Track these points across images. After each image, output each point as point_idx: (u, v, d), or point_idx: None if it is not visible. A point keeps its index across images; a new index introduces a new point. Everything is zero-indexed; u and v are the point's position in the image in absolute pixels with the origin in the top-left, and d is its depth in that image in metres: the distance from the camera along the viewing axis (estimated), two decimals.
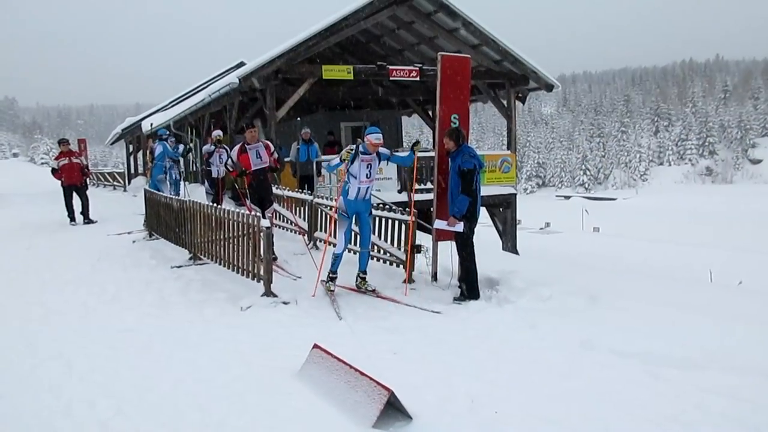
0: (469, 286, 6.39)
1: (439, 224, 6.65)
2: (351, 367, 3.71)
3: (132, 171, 27.63)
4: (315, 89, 14.45)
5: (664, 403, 3.68)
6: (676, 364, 4.22)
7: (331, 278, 6.60)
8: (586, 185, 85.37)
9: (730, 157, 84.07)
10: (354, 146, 6.47)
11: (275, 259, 7.98)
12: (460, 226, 6.31)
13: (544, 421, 3.48)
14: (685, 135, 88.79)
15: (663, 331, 4.86)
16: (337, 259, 6.56)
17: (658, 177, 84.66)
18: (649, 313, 5.30)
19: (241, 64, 18.21)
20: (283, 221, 10.06)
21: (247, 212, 6.97)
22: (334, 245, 6.67)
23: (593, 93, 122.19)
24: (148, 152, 13.37)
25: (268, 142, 8.28)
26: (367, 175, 6.42)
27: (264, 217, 7.97)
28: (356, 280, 6.76)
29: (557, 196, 78.80)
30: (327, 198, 9.31)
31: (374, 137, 6.33)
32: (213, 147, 11.62)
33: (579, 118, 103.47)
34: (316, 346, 4.13)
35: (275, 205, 8.62)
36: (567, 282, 6.45)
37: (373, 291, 6.62)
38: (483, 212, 7.40)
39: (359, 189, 6.42)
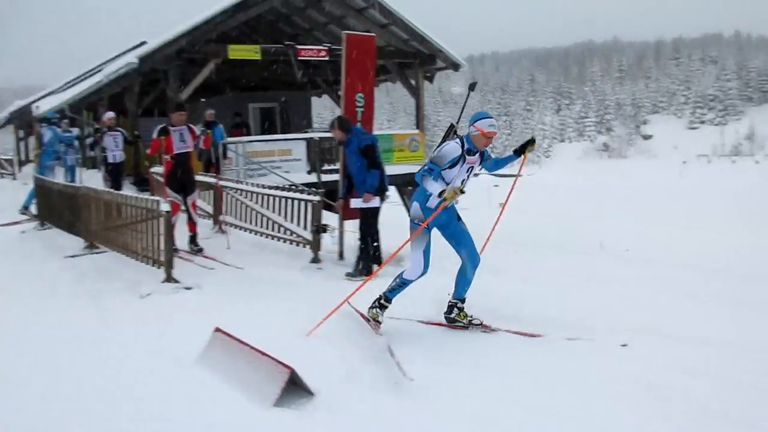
0: (369, 261, 6.47)
1: (355, 203, 6.63)
2: (252, 348, 3.68)
3: (23, 158, 25.82)
4: (222, 70, 14.04)
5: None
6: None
7: (383, 305, 4.72)
8: None
9: (625, 134, 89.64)
10: (455, 151, 4.43)
11: (201, 250, 7.70)
12: (376, 201, 6.40)
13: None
14: (584, 113, 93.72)
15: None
16: (404, 285, 4.66)
17: (560, 153, 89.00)
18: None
19: (143, 44, 17.30)
20: None
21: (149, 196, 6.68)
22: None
23: (500, 73, 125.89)
24: (35, 138, 12.47)
25: (193, 126, 7.93)
26: (463, 180, 4.60)
27: (186, 205, 7.66)
28: (450, 312, 4.85)
29: None
30: (234, 181, 9.15)
31: (488, 123, 4.43)
32: (92, 136, 11.36)
33: (487, 98, 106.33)
34: (217, 329, 4.07)
35: (196, 194, 8.08)
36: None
37: (481, 325, 4.78)
38: (392, 191, 7.50)
39: None
